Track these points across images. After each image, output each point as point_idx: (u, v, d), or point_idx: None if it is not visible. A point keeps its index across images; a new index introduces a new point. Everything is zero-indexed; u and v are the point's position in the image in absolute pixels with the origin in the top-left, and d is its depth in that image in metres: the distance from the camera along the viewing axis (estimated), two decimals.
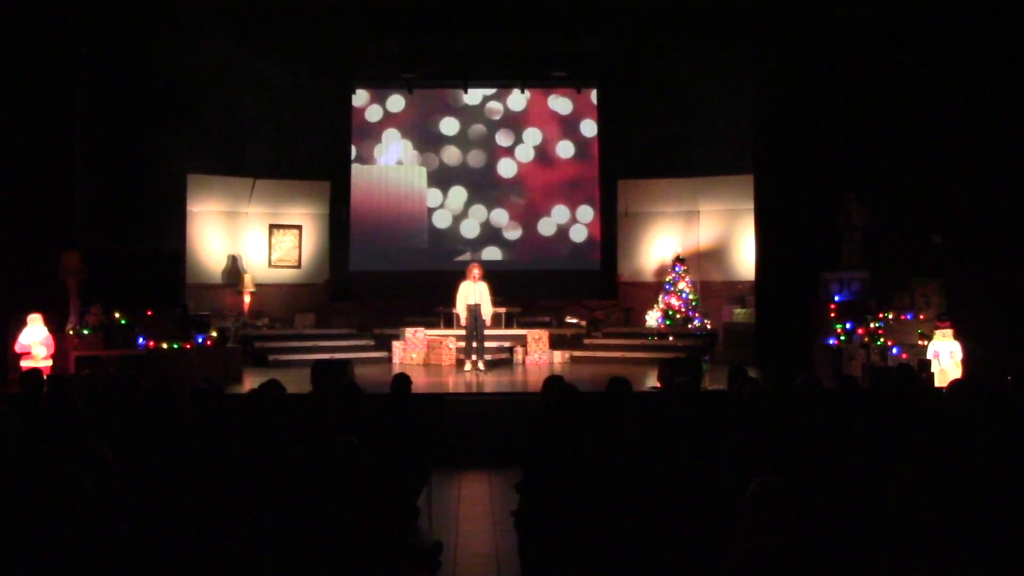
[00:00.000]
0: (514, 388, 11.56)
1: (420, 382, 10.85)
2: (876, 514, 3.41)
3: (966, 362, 9.81)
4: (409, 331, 14.39)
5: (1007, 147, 10.25)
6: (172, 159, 14.59)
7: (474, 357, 12.65)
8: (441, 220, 17.77)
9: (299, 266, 16.92)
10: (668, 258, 16.22)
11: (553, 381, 6.56)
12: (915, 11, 11.45)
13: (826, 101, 13.08)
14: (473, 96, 17.78)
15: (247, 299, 15.93)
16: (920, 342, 10.53)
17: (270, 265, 16.73)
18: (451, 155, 17.83)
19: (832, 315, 12.00)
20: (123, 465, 4.17)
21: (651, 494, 3.91)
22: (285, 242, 16.86)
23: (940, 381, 9.11)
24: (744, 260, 15.84)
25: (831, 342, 11.77)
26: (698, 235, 16.67)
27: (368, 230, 17.52)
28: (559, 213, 17.78)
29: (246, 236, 16.60)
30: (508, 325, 14.94)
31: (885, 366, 10.40)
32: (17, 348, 10.30)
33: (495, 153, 17.84)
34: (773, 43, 13.83)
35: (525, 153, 17.84)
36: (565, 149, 17.89)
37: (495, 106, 17.90)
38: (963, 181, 10.72)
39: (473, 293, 12.53)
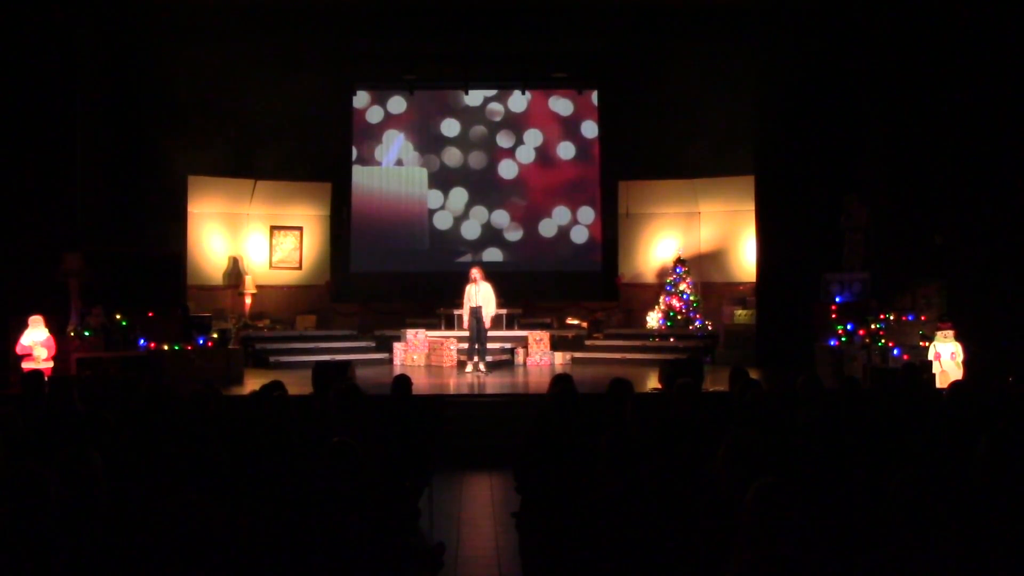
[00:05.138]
0: (515, 390, 11.56)
1: (421, 383, 10.86)
2: (877, 515, 3.41)
3: (967, 363, 9.79)
4: (410, 332, 14.39)
5: (1008, 147, 10.23)
6: (173, 160, 14.63)
7: (475, 359, 12.66)
8: (442, 221, 17.77)
9: (300, 267, 16.92)
10: (669, 259, 16.21)
11: (561, 379, 6.52)
12: (915, 10, 11.44)
13: (826, 101, 13.07)
14: (474, 97, 17.77)
15: (248, 300, 15.94)
16: (921, 343, 10.51)
17: (271, 266, 16.73)
18: (452, 156, 17.83)
19: (833, 316, 12.00)
20: (123, 465, 4.17)
21: (652, 495, 3.91)
22: (286, 243, 16.86)
23: (941, 382, 9.09)
24: (745, 261, 15.84)
25: (832, 343, 11.76)
26: (699, 236, 16.67)
27: (369, 231, 17.52)
28: (560, 214, 17.78)
29: (247, 237, 16.60)
30: (509, 326, 14.93)
31: (888, 367, 10.39)
32: (18, 349, 10.31)
33: (496, 154, 17.84)
34: (773, 44, 13.83)
35: (526, 154, 17.84)
36: (566, 150, 17.89)
37: (496, 107, 17.90)
38: (964, 181, 10.70)
39: (475, 296, 12.56)
